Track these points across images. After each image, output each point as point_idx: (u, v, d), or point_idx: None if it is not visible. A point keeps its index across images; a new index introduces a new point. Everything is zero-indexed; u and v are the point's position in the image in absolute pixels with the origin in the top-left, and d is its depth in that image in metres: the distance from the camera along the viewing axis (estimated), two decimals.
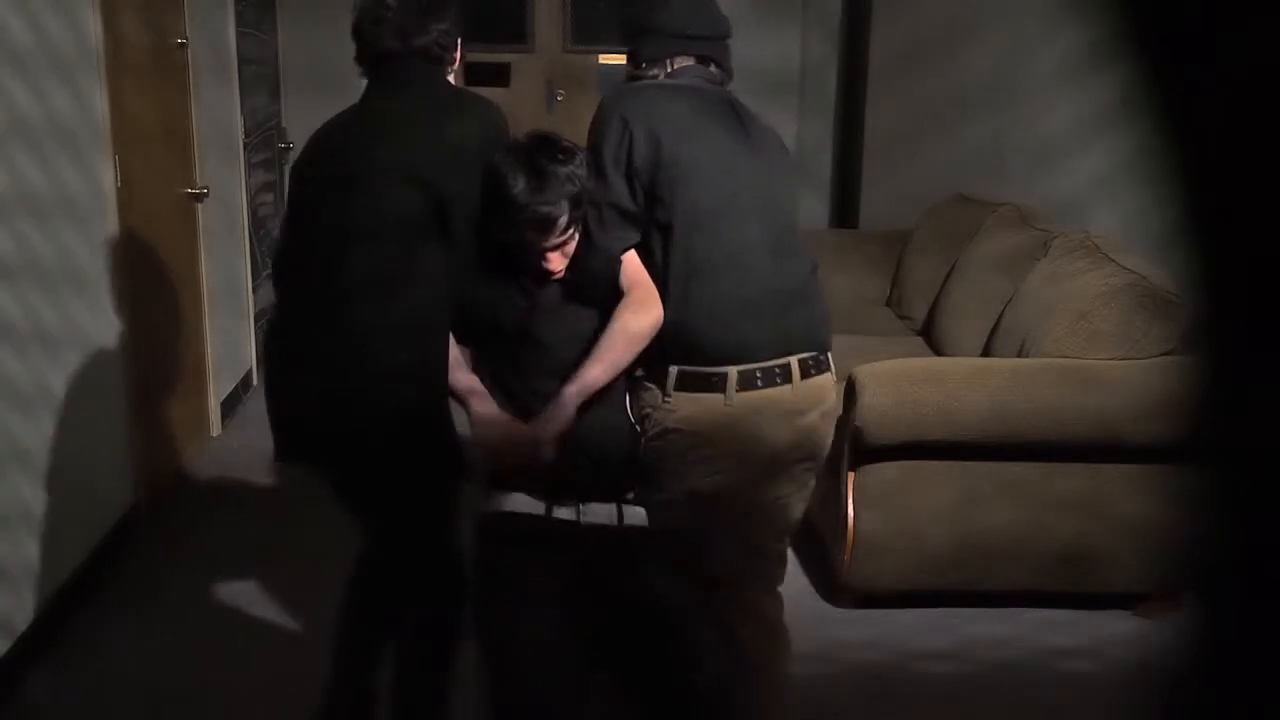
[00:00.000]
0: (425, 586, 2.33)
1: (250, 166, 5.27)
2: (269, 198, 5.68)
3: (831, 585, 3.48)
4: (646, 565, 2.23)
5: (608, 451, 2.27)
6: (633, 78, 2.39)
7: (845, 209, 8.12)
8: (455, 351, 2.27)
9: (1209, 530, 0.48)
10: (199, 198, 4.47)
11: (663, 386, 2.25)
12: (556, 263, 2.21)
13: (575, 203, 2.18)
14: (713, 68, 2.41)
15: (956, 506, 3.24)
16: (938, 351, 4.24)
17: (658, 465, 2.29)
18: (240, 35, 5.09)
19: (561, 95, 8.74)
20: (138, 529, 3.83)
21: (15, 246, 3.02)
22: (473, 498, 2.36)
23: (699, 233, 2.22)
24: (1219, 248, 0.45)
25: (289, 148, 5.92)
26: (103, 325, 3.60)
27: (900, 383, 3.15)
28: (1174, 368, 3.17)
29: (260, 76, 5.52)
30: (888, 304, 5.03)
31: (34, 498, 3.14)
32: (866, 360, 3.32)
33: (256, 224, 5.42)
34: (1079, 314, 3.35)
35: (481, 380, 2.29)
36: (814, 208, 8.73)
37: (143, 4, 3.98)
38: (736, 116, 2.37)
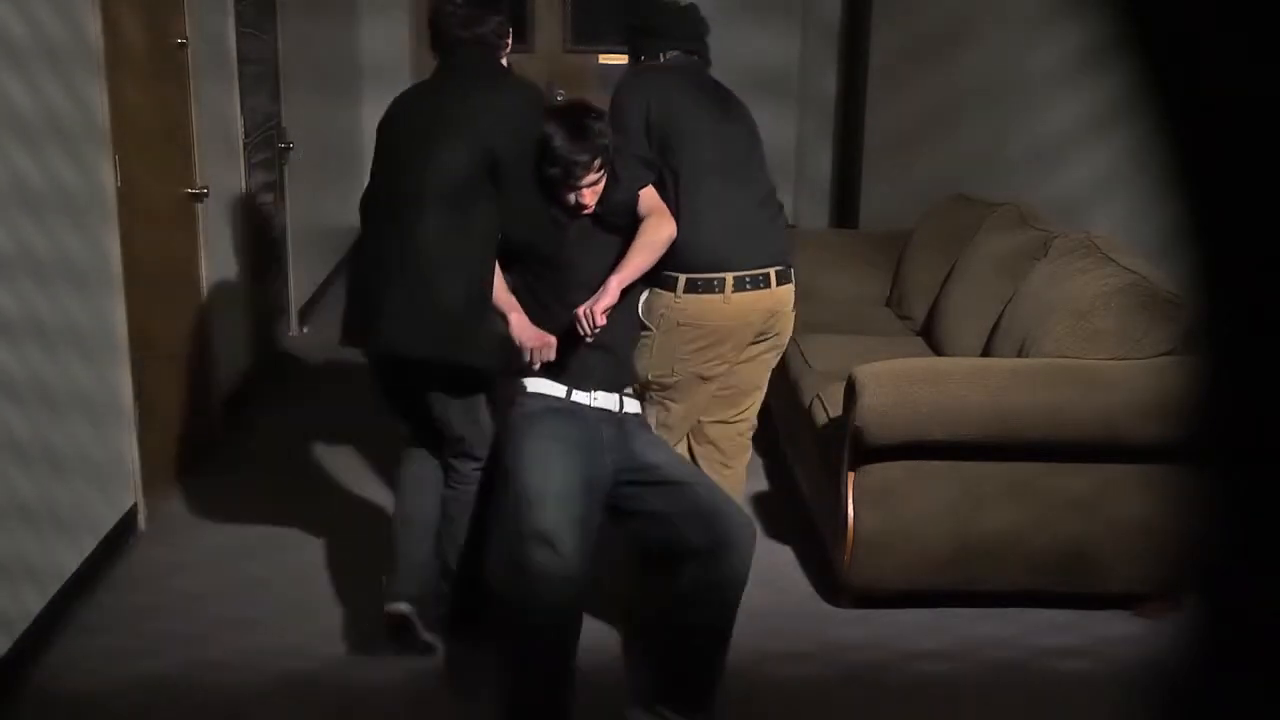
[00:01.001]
0: (467, 448, 3.00)
1: (250, 166, 5.26)
2: (269, 198, 5.68)
3: (831, 585, 3.48)
4: (644, 435, 2.90)
5: (620, 345, 2.93)
6: (635, 69, 3.21)
7: (845, 210, 8.12)
8: (498, 276, 2.88)
9: (1209, 530, 0.48)
10: (199, 198, 4.47)
11: (674, 291, 3.00)
12: (589, 198, 2.84)
13: (603, 152, 2.83)
14: (695, 57, 3.20)
15: (956, 506, 3.24)
16: (938, 351, 4.24)
17: (668, 355, 3.04)
18: (240, 35, 5.08)
19: (562, 94, 8.75)
20: (137, 530, 3.83)
21: (15, 247, 3.02)
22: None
23: (700, 176, 2.98)
24: (1219, 248, 0.45)
25: (289, 148, 5.91)
26: (102, 325, 3.60)
27: (900, 383, 3.15)
28: (1174, 368, 3.17)
29: (260, 76, 5.51)
30: (888, 304, 5.03)
31: (33, 498, 3.14)
32: (866, 360, 3.32)
33: (256, 224, 5.42)
34: (1079, 314, 3.35)
35: (517, 297, 2.92)
36: (814, 210, 8.74)
37: (143, 4, 3.98)
38: (717, 91, 3.19)
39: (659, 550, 2.78)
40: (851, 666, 3.19)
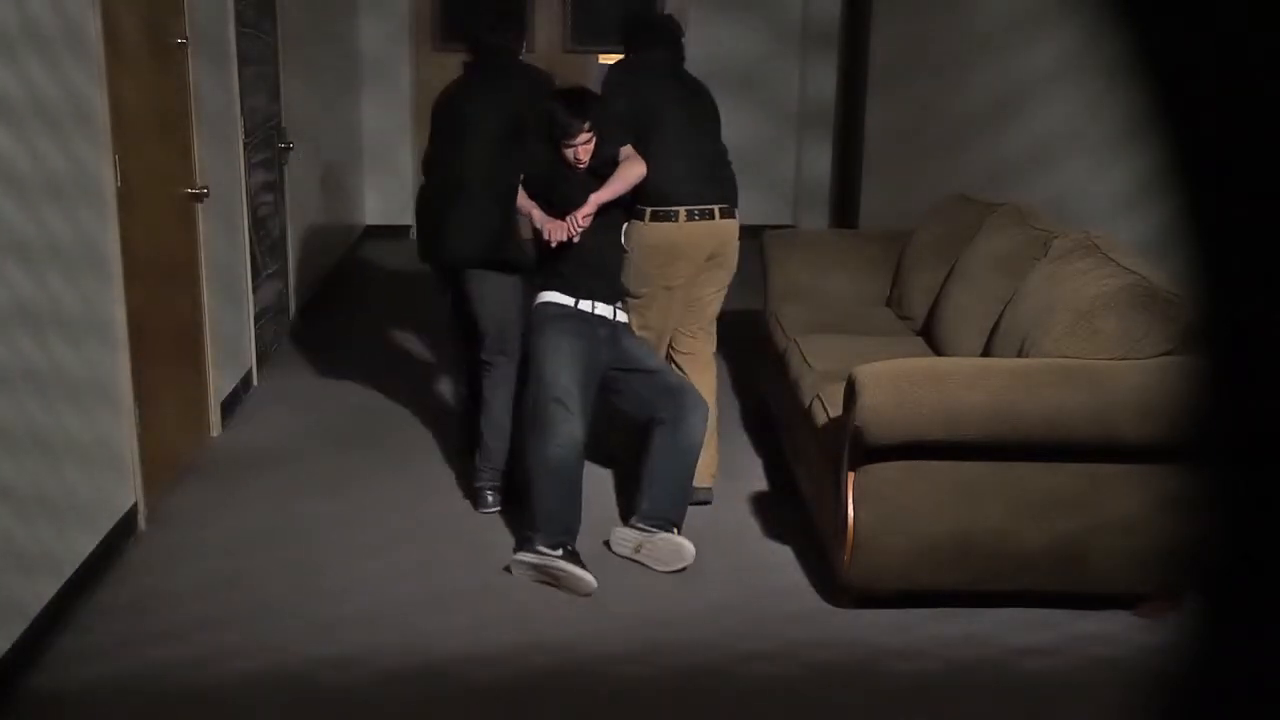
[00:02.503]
0: (490, 343, 4.05)
1: (250, 166, 5.27)
2: (269, 198, 5.68)
3: (831, 585, 3.48)
4: (629, 340, 3.92)
5: (611, 267, 3.95)
6: (622, 62, 4.23)
7: (845, 211, 8.12)
8: (524, 198, 3.93)
9: (1209, 530, 0.48)
10: (199, 198, 4.47)
11: (644, 220, 4.01)
12: (583, 154, 3.81)
13: (593, 120, 3.79)
14: (668, 53, 4.18)
15: (956, 506, 3.24)
16: (938, 351, 4.24)
17: (640, 272, 4.04)
18: (240, 35, 5.08)
19: None
20: (137, 529, 3.83)
21: (15, 245, 3.02)
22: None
23: (664, 139, 3.99)
24: (1219, 248, 0.45)
25: (289, 148, 5.91)
26: (102, 325, 3.60)
27: (900, 383, 3.15)
28: (1174, 368, 3.17)
29: (260, 76, 5.52)
30: (888, 304, 5.03)
31: (33, 498, 3.14)
32: (866, 360, 3.32)
33: (256, 224, 5.42)
34: (1079, 314, 3.35)
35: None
36: (814, 211, 8.74)
37: (143, 3, 3.98)
38: (683, 80, 4.20)
39: (638, 417, 3.90)
40: (852, 666, 3.19)
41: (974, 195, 4.85)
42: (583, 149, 3.80)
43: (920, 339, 4.53)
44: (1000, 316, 3.83)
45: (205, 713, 2.95)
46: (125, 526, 3.74)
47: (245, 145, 5.16)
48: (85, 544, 3.46)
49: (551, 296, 3.81)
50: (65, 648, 3.16)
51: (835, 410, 3.52)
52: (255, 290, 5.36)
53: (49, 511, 3.24)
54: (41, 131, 3.17)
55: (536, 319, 3.81)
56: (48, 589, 3.20)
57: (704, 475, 4.05)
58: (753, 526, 4.01)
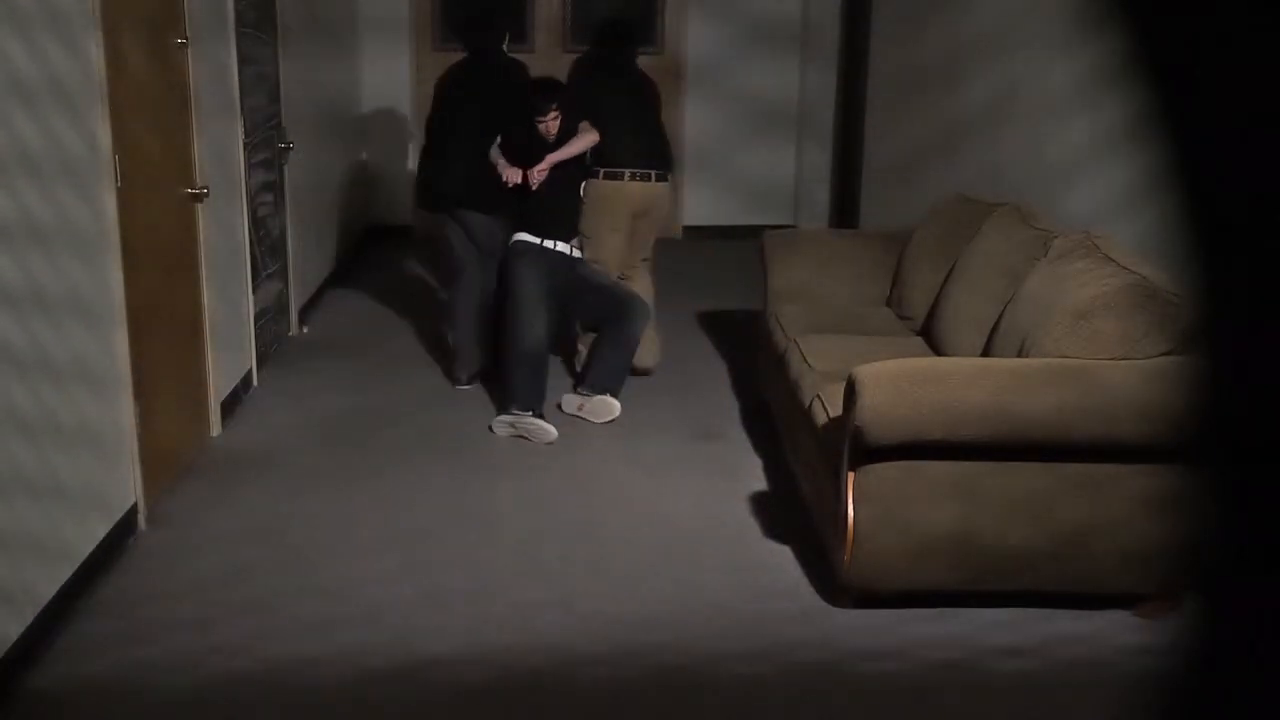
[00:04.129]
0: (487, 253, 5.32)
1: (250, 166, 5.27)
2: (269, 198, 5.68)
3: (831, 585, 3.48)
4: (584, 268, 5.21)
5: (568, 214, 5.20)
6: (582, 57, 5.77)
7: (845, 211, 8.12)
8: (496, 154, 5.20)
9: (1209, 530, 0.48)
10: (199, 197, 4.47)
11: (598, 178, 5.27)
12: (552, 128, 5.08)
13: (560, 103, 5.08)
14: (620, 50, 5.53)
15: (956, 506, 3.24)
16: (938, 351, 4.24)
17: (593, 217, 5.29)
18: (240, 35, 5.08)
19: None
20: (137, 528, 3.83)
21: (16, 240, 3.02)
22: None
23: (615, 118, 5.25)
24: (1219, 248, 0.45)
25: (289, 148, 5.91)
26: (102, 325, 3.60)
27: (900, 383, 3.15)
28: (1174, 368, 3.17)
29: (260, 76, 5.52)
30: (888, 304, 5.03)
31: (33, 498, 3.14)
32: (866, 360, 3.32)
33: (256, 224, 5.42)
34: (1079, 314, 3.35)
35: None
36: (814, 211, 8.74)
37: (143, 3, 3.98)
38: (630, 72, 5.51)
39: (589, 321, 5.35)
40: (852, 667, 3.19)
41: (974, 195, 4.85)
42: (551, 124, 5.10)
43: (920, 339, 4.54)
44: (1000, 316, 3.83)
45: (203, 711, 2.95)
46: (125, 526, 3.74)
47: (245, 145, 5.16)
48: (85, 543, 3.46)
49: (523, 236, 5.09)
50: (65, 646, 3.16)
51: (835, 410, 3.52)
52: (255, 290, 5.36)
53: (49, 511, 3.24)
54: (42, 132, 3.17)
55: (512, 253, 5.08)
56: (48, 588, 3.20)
57: (646, 357, 5.38)
58: (753, 526, 4.02)
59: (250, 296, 5.28)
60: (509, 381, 4.87)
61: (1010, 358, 3.55)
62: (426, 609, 3.41)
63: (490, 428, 4.79)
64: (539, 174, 5.02)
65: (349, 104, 8.11)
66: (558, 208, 5.13)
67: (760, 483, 4.38)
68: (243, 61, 5.12)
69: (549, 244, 5.06)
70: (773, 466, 4.49)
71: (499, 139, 5.19)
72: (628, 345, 5.07)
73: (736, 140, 8.81)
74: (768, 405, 4.89)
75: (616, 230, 5.35)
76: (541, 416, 4.77)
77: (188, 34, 4.38)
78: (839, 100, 8.34)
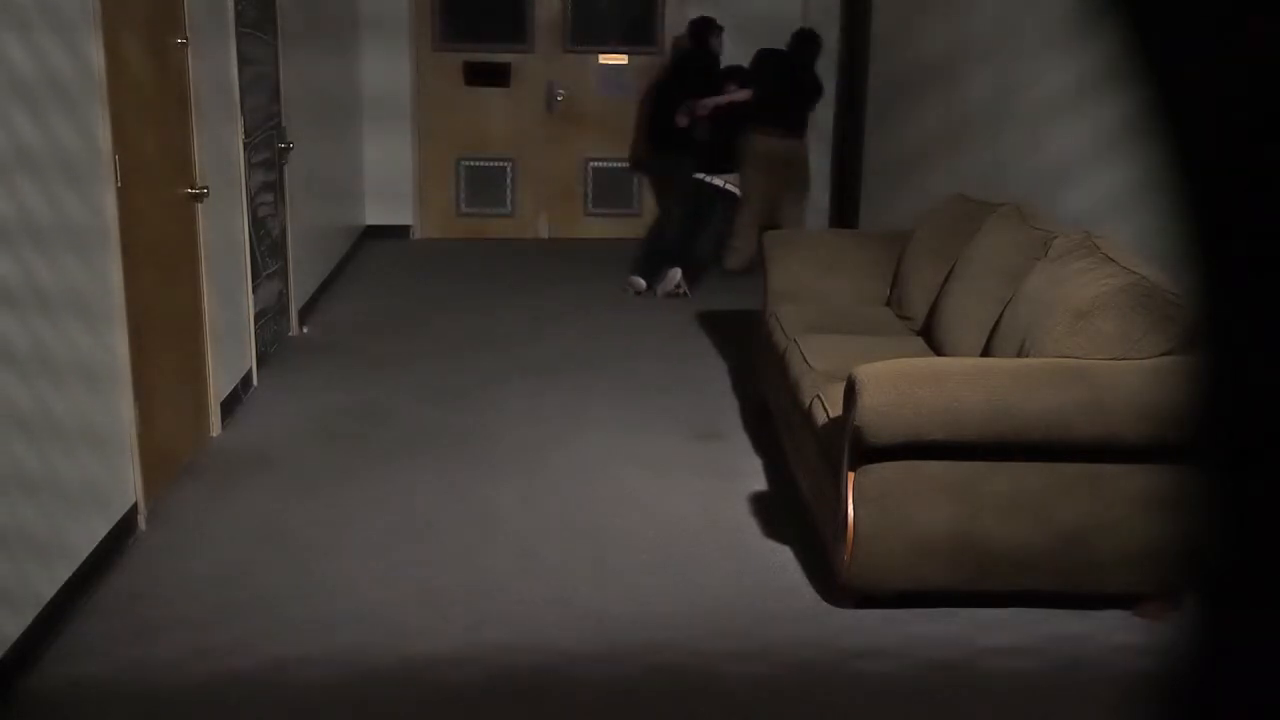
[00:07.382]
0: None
1: (250, 166, 5.26)
2: (269, 198, 5.68)
3: (831, 585, 3.48)
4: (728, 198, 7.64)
5: (726, 159, 7.53)
6: None
7: (845, 211, 8.11)
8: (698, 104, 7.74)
9: (1209, 530, 0.48)
10: (199, 198, 4.47)
11: (753, 134, 7.82)
12: (730, 94, 7.68)
13: (738, 80, 7.78)
14: (788, 51, 7.99)
15: (956, 506, 3.24)
16: (938, 351, 4.24)
17: (746, 163, 7.63)
18: (240, 35, 5.08)
19: (562, 95, 8.74)
20: (137, 528, 3.83)
21: (16, 240, 3.02)
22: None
23: (771, 92, 7.70)
24: (1219, 249, 0.45)
25: (289, 148, 5.91)
26: (102, 325, 3.60)
27: (900, 383, 3.15)
28: (1174, 368, 3.17)
29: (260, 76, 5.52)
30: (888, 304, 5.03)
31: (33, 498, 3.14)
32: (866, 360, 3.32)
33: (256, 224, 5.42)
34: (1079, 314, 3.35)
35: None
36: (813, 211, 8.73)
37: (143, 3, 3.98)
38: (793, 65, 7.89)
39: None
40: (853, 667, 3.19)
41: (974, 195, 4.85)
42: (731, 93, 7.45)
43: (920, 339, 4.53)
44: (1000, 316, 3.83)
45: (202, 711, 2.95)
46: (125, 525, 3.74)
47: (245, 145, 5.16)
48: (85, 542, 3.46)
49: (696, 175, 7.44)
50: (65, 645, 3.16)
51: (835, 410, 3.52)
52: (255, 290, 5.35)
53: (49, 510, 3.24)
54: (41, 128, 3.17)
55: (692, 185, 7.46)
56: (48, 587, 3.20)
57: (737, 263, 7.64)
58: (753, 526, 4.01)
59: (250, 296, 5.28)
60: (693, 265, 7.39)
61: (1010, 358, 3.55)
62: (426, 608, 3.41)
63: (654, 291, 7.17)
64: (700, 109, 7.39)
65: (349, 104, 8.11)
66: (718, 152, 7.43)
67: (760, 483, 4.38)
68: (243, 61, 5.12)
69: (709, 179, 7.43)
70: (773, 466, 4.49)
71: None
72: (705, 245, 7.50)
73: None
74: (768, 405, 4.89)
75: (758, 174, 7.59)
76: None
77: (188, 34, 4.38)
78: (839, 100, 8.34)
